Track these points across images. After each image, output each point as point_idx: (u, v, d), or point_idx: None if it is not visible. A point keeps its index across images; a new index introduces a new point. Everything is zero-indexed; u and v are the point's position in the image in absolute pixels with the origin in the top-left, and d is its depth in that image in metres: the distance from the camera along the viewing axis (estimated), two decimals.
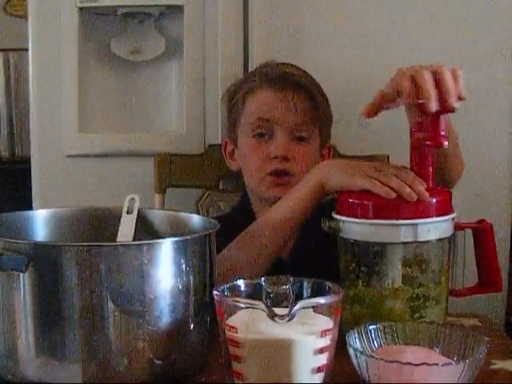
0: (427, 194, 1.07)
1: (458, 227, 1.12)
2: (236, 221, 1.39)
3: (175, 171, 1.69)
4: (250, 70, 1.69)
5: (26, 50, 1.77)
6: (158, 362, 0.95)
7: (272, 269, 1.21)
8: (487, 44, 1.71)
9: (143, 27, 1.77)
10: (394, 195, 1.07)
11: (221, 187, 1.72)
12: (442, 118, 1.07)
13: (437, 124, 1.07)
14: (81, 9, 1.71)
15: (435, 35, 1.71)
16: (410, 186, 1.07)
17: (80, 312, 0.91)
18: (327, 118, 1.50)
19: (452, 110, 1.05)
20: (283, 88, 1.43)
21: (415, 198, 1.07)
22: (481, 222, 1.14)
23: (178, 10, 1.72)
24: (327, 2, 1.72)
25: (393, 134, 1.71)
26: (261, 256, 1.21)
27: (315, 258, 1.29)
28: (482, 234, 1.14)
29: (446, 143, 1.07)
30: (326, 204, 1.24)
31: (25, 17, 1.95)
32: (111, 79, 1.79)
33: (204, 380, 1.00)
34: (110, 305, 0.92)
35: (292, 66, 1.52)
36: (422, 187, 1.08)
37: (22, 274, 0.91)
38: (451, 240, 1.11)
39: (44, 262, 0.91)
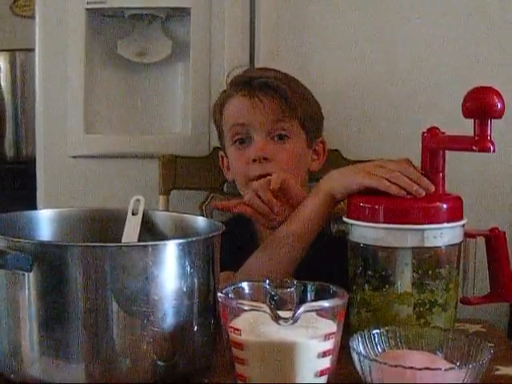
0: (433, 187, 1.08)
1: (469, 235, 1.12)
2: (234, 230, 1.39)
3: (180, 173, 1.69)
4: None
5: (33, 50, 1.78)
6: (162, 363, 0.95)
7: None
8: (492, 56, 1.71)
9: (150, 29, 1.77)
10: (404, 193, 1.07)
11: (225, 190, 1.72)
12: (490, 122, 1.05)
13: (485, 128, 1.05)
14: (88, 10, 1.71)
15: (443, 45, 1.71)
16: (416, 182, 1.08)
17: (84, 312, 0.92)
18: (307, 112, 1.49)
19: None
20: (251, 91, 1.45)
21: (423, 193, 1.07)
22: (493, 230, 1.14)
23: (184, 12, 1.73)
24: (334, 7, 1.72)
25: (397, 138, 1.71)
26: (277, 271, 1.22)
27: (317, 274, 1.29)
28: (495, 242, 1.13)
29: (492, 148, 1.05)
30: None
31: (32, 17, 1.95)
32: (117, 81, 1.80)
33: (207, 382, 1.00)
34: (114, 305, 0.92)
35: (264, 68, 1.54)
36: (427, 181, 1.08)
37: (26, 274, 0.91)
38: (461, 247, 1.11)
39: (49, 261, 0.92)
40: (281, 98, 1.44)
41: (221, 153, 1.58)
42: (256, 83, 1.45)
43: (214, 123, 1.58)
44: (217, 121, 1.54)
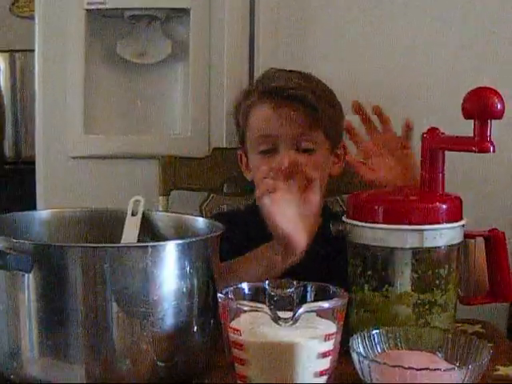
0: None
1: (468, 235, 1.12)
2: (248, 217, 1.38)
3: (180, 174, 1.69)
4: (255, 75, 1.70)
5: (32, 51, 1.78)
6: (162, 363, 0.95)
7: None
8: (492, 56, 1.71)
9: (149, 30, 1.77)
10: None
11: (225, 190, 1.72)
12: (489, 123, 1.05)
13: (485, 129, 1.05)
14: (88, 11, 1.71)
15: (444, 45, 1.71)
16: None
17: (84, 313, 0.92)
18: (332, 120, 1.48)
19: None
20: (280, 103, 1.43)
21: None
22: (493, 230, 1.14)
23: (184, 13, 1.73)
24: (334, 8, 1.72)
25: None
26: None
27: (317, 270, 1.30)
28: (494, 242, 1.13)
29: (491, 149, 1.05)
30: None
31: (31, 18, 1.95)
32: (117, 81, 1.80)
33: (207, 382, 1.00)
34: (114, 306, 0.92)
35: (290, 73, 1.52)
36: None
37: (26, 274, 0.91)
38: (460, 247, 1.11)
39: (49, 262, 0.92)
40: (308, 109, 1.43)
41: (239, 151, 1.57)
42: (287, 94, 1.43)
43: (235, 123, 1.56)
44: (239, 122, 1.52)
